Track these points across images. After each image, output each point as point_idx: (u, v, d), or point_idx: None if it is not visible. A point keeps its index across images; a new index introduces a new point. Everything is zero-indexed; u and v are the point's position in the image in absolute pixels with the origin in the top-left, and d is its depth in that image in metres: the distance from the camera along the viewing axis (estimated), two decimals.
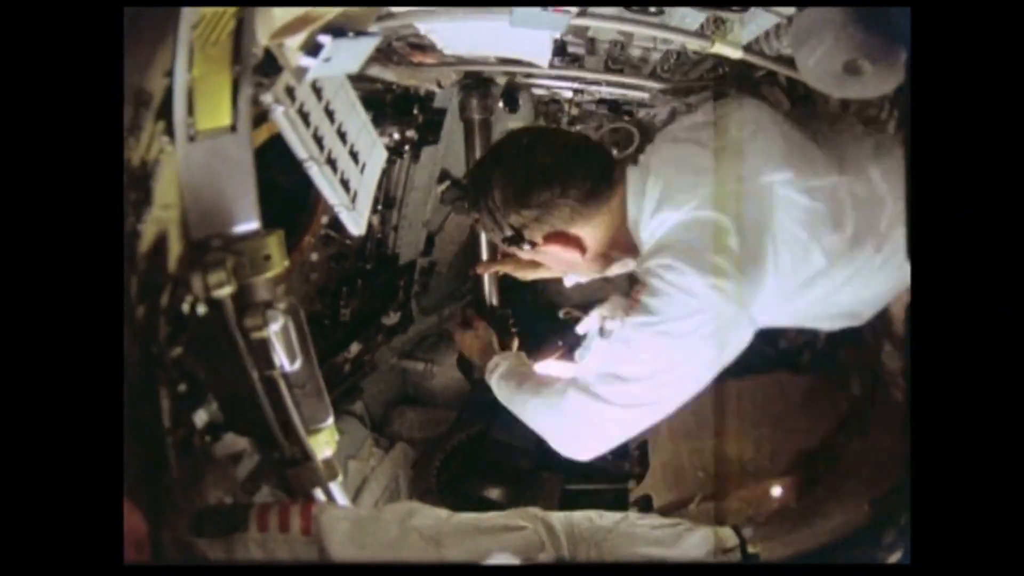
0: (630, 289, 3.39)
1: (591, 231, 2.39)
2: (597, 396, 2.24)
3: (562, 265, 2.61)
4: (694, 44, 2.35)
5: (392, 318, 3.92)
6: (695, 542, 2.19)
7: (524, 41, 2.46)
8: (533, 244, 2.42)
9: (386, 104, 3.30)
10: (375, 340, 3.82)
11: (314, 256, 3.25)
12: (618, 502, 3.22)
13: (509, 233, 2.41)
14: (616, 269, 2.65)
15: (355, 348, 3.60)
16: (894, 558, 1.94)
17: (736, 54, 2.34)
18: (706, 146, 2.34)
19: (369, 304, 3.75)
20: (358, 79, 2.60)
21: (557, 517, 2.17)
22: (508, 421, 3.31)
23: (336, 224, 3.25)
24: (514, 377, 2.73)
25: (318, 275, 3.33)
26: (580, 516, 2.24)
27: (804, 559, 2.49)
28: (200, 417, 1.89)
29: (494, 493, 3.28)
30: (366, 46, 2.11)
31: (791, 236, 2.17)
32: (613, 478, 3.41)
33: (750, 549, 2.27)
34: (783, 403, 3.48)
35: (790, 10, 2.15)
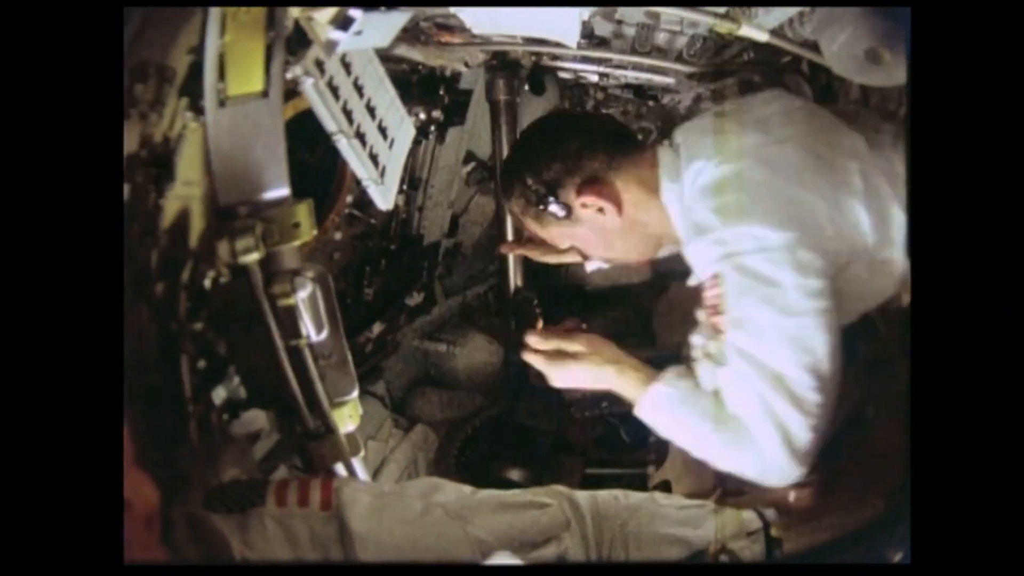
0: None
1: (623, 184, 2.32)
2: (799, 399, 2.02)
3: (600, 235, 2.42)
4: (722, 27, 2.35)
5: (415, 299, 3.93)
6: (719, 522, 2.17)
7: (553, 21, 2.45)
8: (568, 209, 2.33)
9: (412, 84, 3.31)
10: (398, 321, 3.81)
11: (338, 235, 3.24)
12: (638, 487, 3.18)
13: (543, 191, 2.31)
14: (664, 253, 2.57)
15: (377, 328, 3.60)
16: (901, 554, 1.90)
17: (763, 37, 2.34)
18: (726, 132, 2.26)
19: (392, 285, 3.76)
20: (384, 59, 2.61)
21: (582, 495, 2.14)
22: (531, 404, 3.32)
23: (360, 203, 3.28)
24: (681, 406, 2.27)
25: (342, 254, 3.33)
26: (605, 495, 2.21)
27: (820, 551, 2.49)
28: (219, 394, 1.89)
29: (515, 475, 3.28)
30: (397, 21, 2.11)
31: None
32: (633, 463, 3.41)
33: (773, 533, 2.24)
34: None
35: None
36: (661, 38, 2.97)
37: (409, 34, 2.77)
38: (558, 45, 2.88)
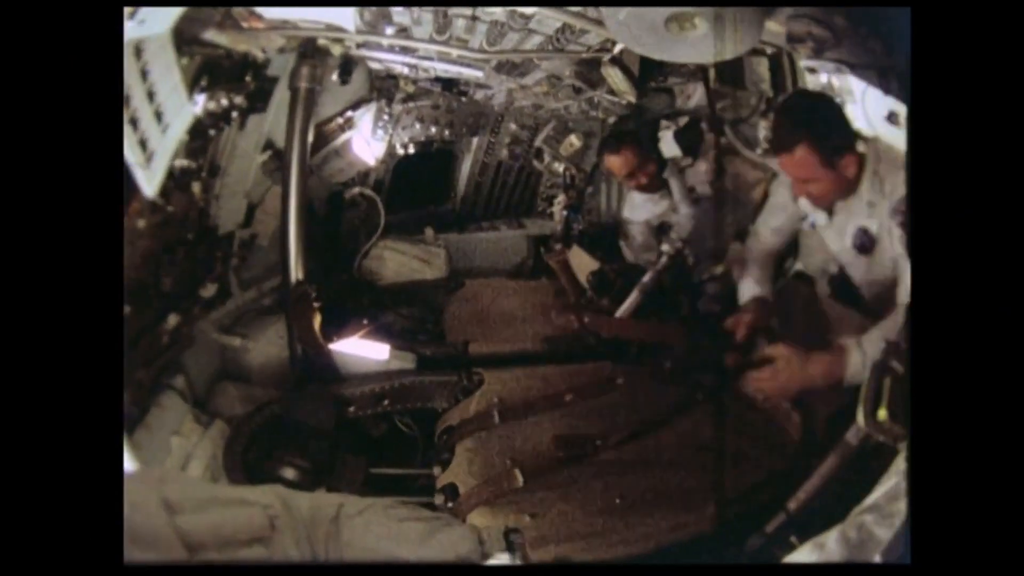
0: None
1: None
2: None
3: None
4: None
5: (209, 290, 3.97)
6: (446, 542, 2.19)
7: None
8: None
9: (223, 69, 3.39)
10: (192, 312, 3.85)
11: (140, 223, 3.29)
12: (425, 489, 3.31)
13: None
14: None
15: (173, 320, 3.62)
16: (791, 554, 1.93)
17: (530, 10, 2.49)
18: None
19: (189, 275, 3.80)
20: (200, 43, 2.72)
21: (305, 498, 2.20)
22: (308, 401, 3.39)
23: (163, 190, 3.26)
24: None
25: (144, 242, 3.38)
26: (327, 498, 2.31)
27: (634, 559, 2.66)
28: None
29: (289, 474, 3.32)
30: (174, 9, 2.26)
31: None
32: (419, 463, 3.58)
33: (518, 558, 2.27)
34: (608, 392, 3.72)
35: None
36: (460, 26, 3.11)
37: (222, 19, 2.91)
38: (369, 32, 3.08)
